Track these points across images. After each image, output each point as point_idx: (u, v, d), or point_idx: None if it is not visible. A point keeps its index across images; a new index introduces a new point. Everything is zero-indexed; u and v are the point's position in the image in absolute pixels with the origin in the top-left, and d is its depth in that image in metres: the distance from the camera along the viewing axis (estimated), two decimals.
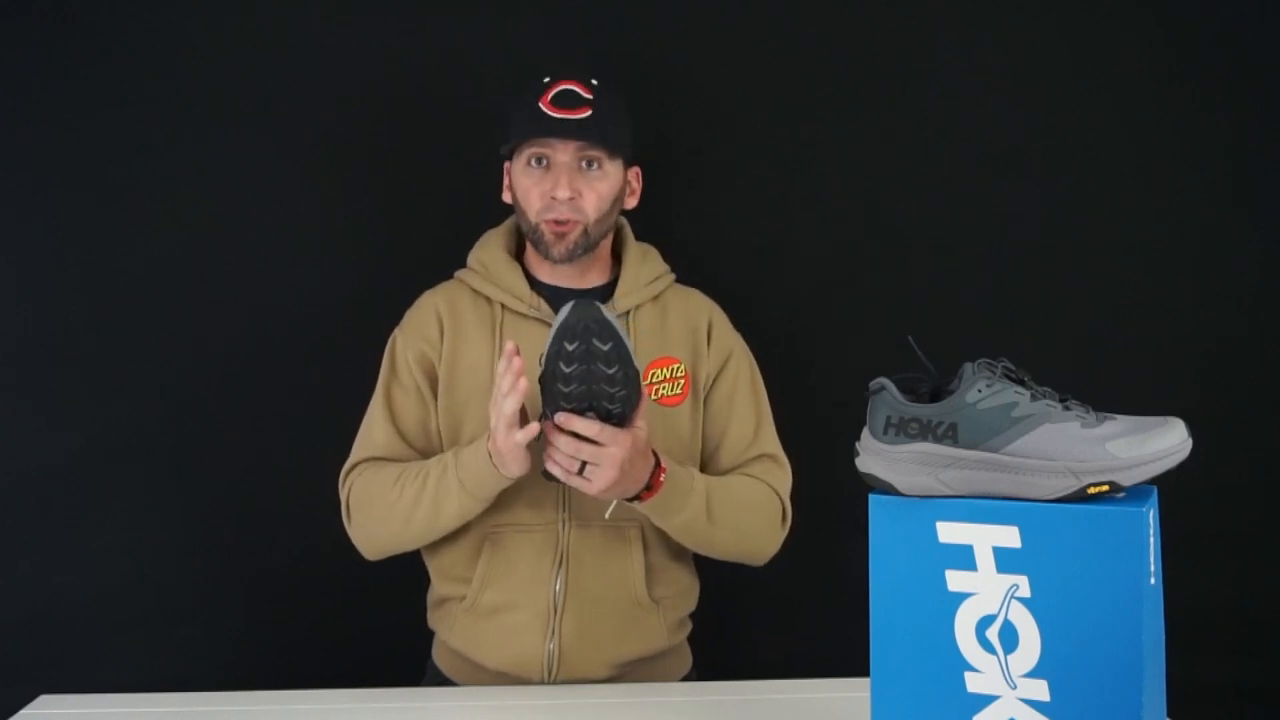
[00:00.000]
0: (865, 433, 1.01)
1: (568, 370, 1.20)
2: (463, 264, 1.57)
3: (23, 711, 1.32)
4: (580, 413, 1.25)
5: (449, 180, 1.81)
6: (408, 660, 1.62)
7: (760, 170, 1.86)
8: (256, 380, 1.82)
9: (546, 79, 1.47)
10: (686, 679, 1.58)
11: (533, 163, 1.47)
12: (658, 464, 1.36)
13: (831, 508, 1.51)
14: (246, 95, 1.80)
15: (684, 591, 1.56)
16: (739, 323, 1.62)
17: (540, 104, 1.44)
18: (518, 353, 1.27)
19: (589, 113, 1.44)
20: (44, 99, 1.77)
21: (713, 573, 1.59)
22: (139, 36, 1.78)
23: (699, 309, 1.57)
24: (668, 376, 1.50)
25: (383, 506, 1.44)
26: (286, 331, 1.82)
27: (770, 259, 1.86)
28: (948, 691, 0.99)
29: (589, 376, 1.21)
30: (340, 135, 1.82)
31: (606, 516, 1.43)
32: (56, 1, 1.77)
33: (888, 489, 1.00)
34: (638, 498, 1.36)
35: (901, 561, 0.99)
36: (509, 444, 1.30)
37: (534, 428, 1.29)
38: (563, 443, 1.27)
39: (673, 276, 1.59)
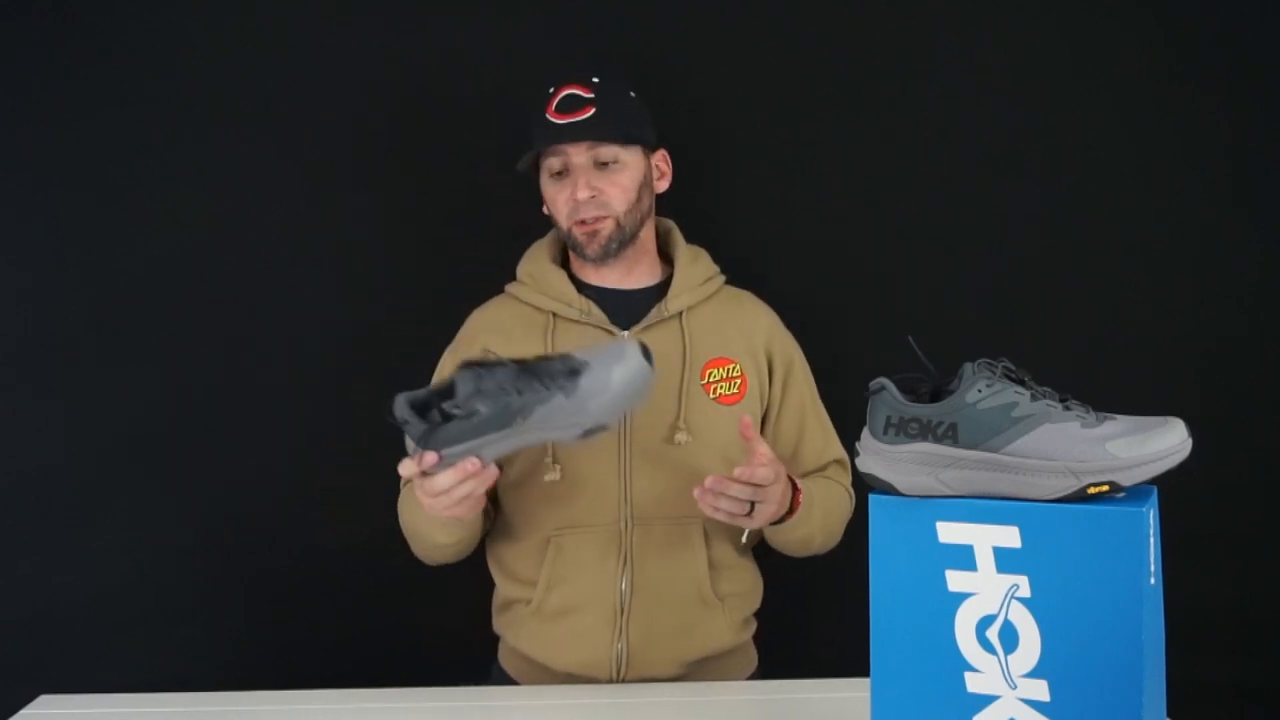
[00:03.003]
0: (865, 433, 1.01)
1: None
2: (467, 265, 1.58)
3: (23, 711, 1.32)
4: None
5: (450, 181, 1.81)
6: (409, 660, 1.61)
7: (760, 170, 1.86)
8: (256, 380, 1.82)
9: (550, 89, 1.48)
10: (752, 678, 1.58)
11: (553, 173, 1.49)
12: (793, 485, 1.39)
13: None
14: (246, 95, 1.80)
15: (749, 589, 1.57)
16: None
17: (546, 114, 1.46)
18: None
19: (592, 111, 1.45)
20: (44, 99, 1.77)
21: (776, 573, 1.60)
22: (139, 36, 1.78)
23: (756, 316, 1.58)
24: (724, 376, 1.50)
25: (406, 526, 1.48)
26: (286, 332, 1.82)
27: (770, 258, 1.85)
28: (948, 691, 0.99)
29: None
30: (341, 135, 1.82)
31: (744, 541, 1.46)
32: (56, 1, 1.77)
33: (888, 489, 1.00)
34: (779, 520, 1.39)
35: (901, 561, 1.00)
36: (449, 514, 1.28)
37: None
38: (735, 491, 1.29)
39: (724, 278, 1.60)
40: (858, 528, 1.53)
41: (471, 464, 1.21)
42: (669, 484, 1.44)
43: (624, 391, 1.19)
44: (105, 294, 1.80)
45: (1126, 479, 0.93)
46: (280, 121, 1.81)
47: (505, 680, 1.55)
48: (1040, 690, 0.96)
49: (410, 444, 1.20)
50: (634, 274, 1.55)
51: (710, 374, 1.49)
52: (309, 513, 1.78)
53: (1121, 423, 0.95)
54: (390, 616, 1.74)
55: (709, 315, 1.54)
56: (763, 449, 1.33)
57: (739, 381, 1.51)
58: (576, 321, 1.50)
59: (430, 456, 1.18)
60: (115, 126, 1.78)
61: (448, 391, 1.19)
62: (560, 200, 1.49)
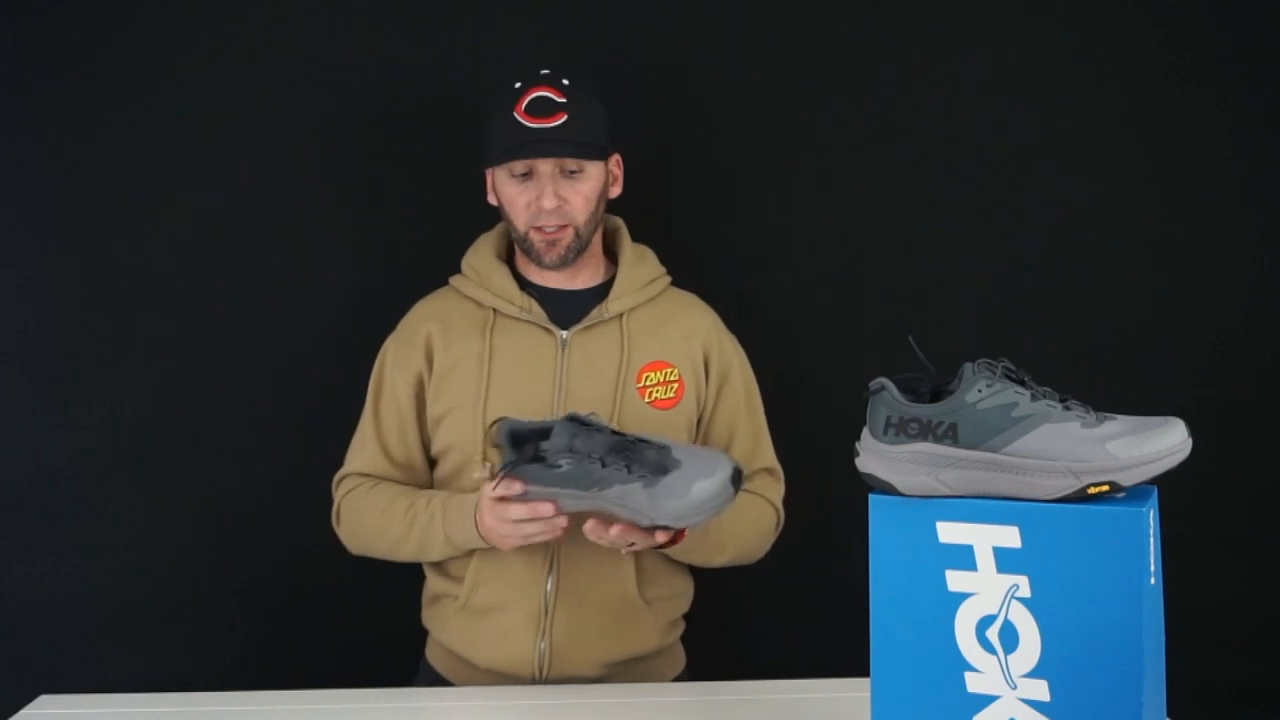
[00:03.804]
0: (865, 433, 1.01)
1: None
2: (459, 268, 1.58)
3: (23, 711, 1.32)
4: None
5: (450, 182, 1.80)
6: (407, 660, 1.62)
7: (760, 170, 1.85)
8: (256, 380, 1.82)
9: (518, 84, 1.47)
10: (679, 679, 1.58)
11: (516, 174, 1.48)
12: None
13: (831, 508, 1.51)
14: (247, 95, 1.79)
15: (677, 593, 1.56)
16: (737, 323, 1.62)
17: (515, 113, 1.45)
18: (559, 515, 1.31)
19: (565, 118, 1.45)
20: (44, 99, 1.77)
21: (710, 574, 1.59)
22: (139, 36, 1.78)
23: (698, 319, 1.57)
24: (661, 380, 1.50)
25: (371, 531, 1.50)
26: (287, 332, 1.82)
27: (769, 258, 1.86)
28: (948, 691, 0.99)
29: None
30: (342, 136, 1.82)
31: (623, 553, 1.44)
32: (56, 1, 1.77)
33: (888, 489, 1.00)
34: (659, 547, 1.38)
35: (901, 561, 1.00)
36: (508, 545, 1.37)
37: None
38: (614, 537, 1.30)
39: (669, 279, 1.60)
40: (800, 532, 1.56)
41: (546, 508, 1.29)
42: None
43: (700, 506, 1.22)
44: (105, 294, 1.79)
45: (1126, 479, 0.93)
46: (281, 122, 1.80)
47: (432, 675, 1.55)
48: (1040, 690, 0.96)
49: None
50: (580, 276, 1.55)
51: (647, 377, 1.49)
52: (309, 513, 1.77)
53: (1121, 423, 0.95)
54: (389, 616, 1.73)
55: (650, 317, 1.53)
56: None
57: (675, 385, 1.50)
58: (516, 319, 1.50)
59: (517, 485, 1.28)
60: (115, 126, 1.78)
61: (546, 433, 1.27)
62: (521, 203, 1.48)
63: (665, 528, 1.27)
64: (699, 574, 1.60)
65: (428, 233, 1.81)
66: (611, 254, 1.60)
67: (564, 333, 1.50)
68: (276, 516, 1.82)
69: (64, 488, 1.79)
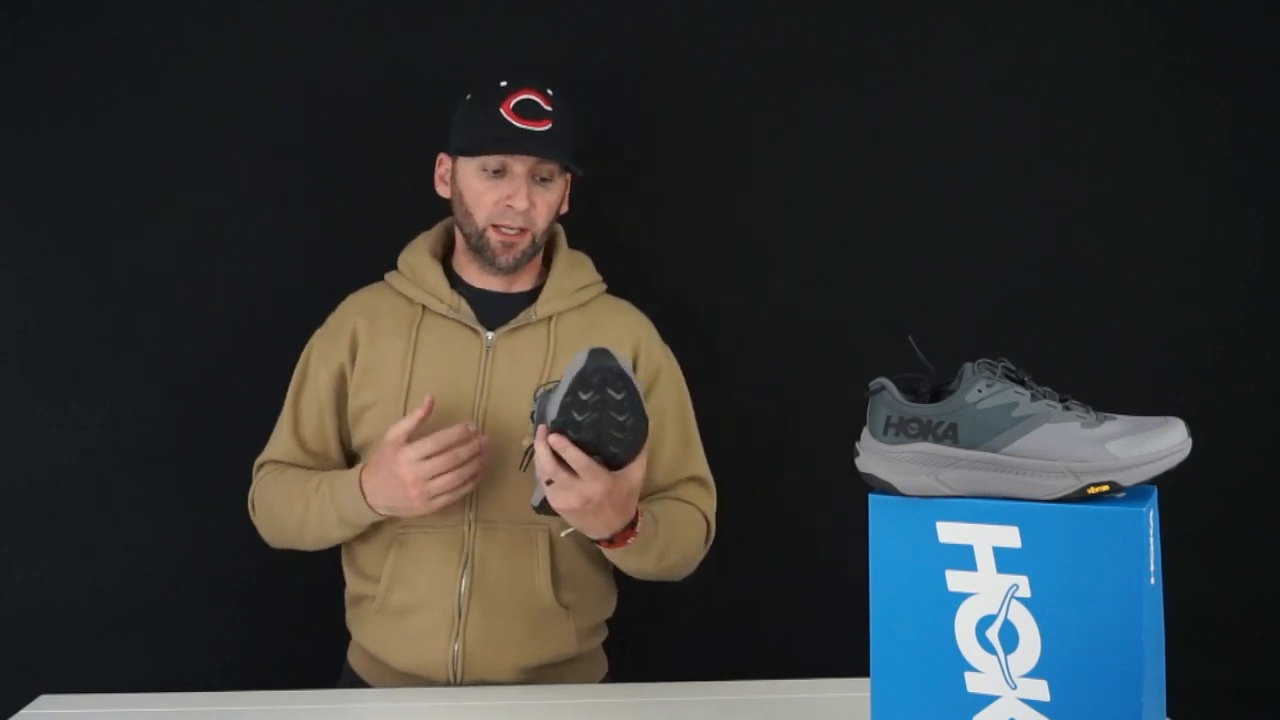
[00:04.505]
0: (865, 433, 1.01)
1: (580, 418, 1.22)
2: None
3: (23, 711, 1.32)
4: (583, 449, 1.25)
5: None
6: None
7: (759, 170, 1.85)
8: (256, 380, 1.81)
9: (504, 83, 1.47)
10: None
11: (488, 169, 1.47)
12: (633, 524, 1.34)
13: (831, 508, 1.51)
14: (247, 95, 1.79)
15: (598, 598, 1.54)
16: (737, 323, 1.62)
17: (502, 110, 1.45)
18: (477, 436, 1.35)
19: (549, 125, 1.45)
20: (44, 99, 1.77)
21: (696, 578, 1.56)
22: (139, 36, 1.78)
23: (628, 325, 1.56)
24: None
25: (276, 517, 1.51)
26: (287, 332, 1.81)
27: (769, 258, 1.86)
28: (948, 691, 0.99)
29: (600, 423, 1.23)
30: (341, 136, 1.82)
31: (562, 535, 1.41)
32: (56, 1, 1.77)
33: (888, 489, 1.00)
34: (598, 541, 1.35)
35: (901, 561, 0.99)
36: (431, 505, 1.35)
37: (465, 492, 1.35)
38: (542, 457, 1.25)
39: (603, 286, 1.59)
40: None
41: (466, 428, 1.34)
42: (516, 488, 1.42)
43: (565, 383, 1.22)
44: (105, 294, 1.79)
45: (1126, 479, 0.93)
46: (281, 122, 1.81)
47: (353, 677, 1.55)
48: (1040, 690, 0.96)
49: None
50: (518, 280, 1.55)
51: None
52: None
53: (1121, 423, 0.95)
54: None
55: (579, 322, 1.53)
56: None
57: None
58: (444, 316, 1.51)
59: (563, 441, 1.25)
60: (115, 126, 1.78)
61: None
62: (489, 199, 1.47)
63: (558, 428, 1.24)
64: (643, 585, 1.55)
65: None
66: (549, 261, 1.59)
67: (490, 334, 1.49)
68: None
69: (64, 488, 1.79)
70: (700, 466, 1.55)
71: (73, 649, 1.81)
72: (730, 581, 1.59)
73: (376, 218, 1.83)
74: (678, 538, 1.45)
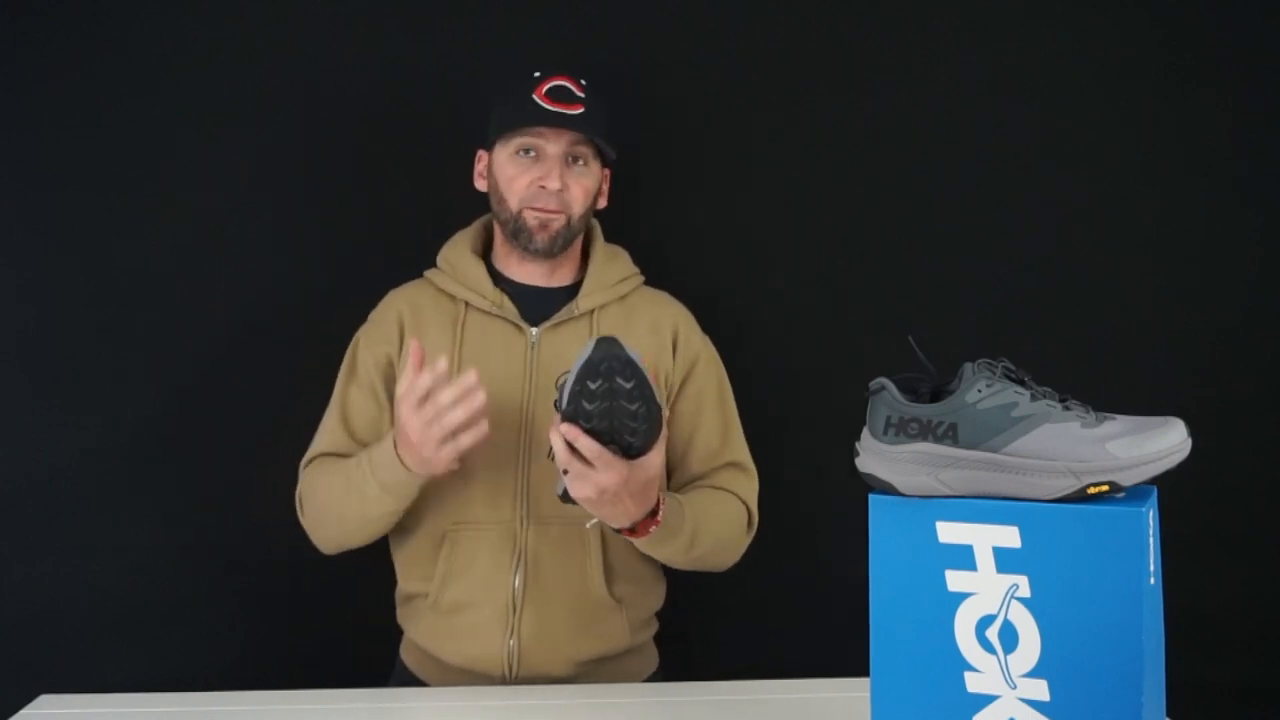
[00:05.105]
0: (865, 433, 1.01)
1: (590, 407, 1.22)
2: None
3: (23, 711, 1.32)
4: (598, 438, 1.24)
5: (453, 181, 1.80)
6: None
7: (759, 170, 1.86)
8: (257, 380, 1.81)
9: (537, 74, 1.48)
10: (652, 679, 1.57)
11: (521, 153, 1.48)
12: (655, 511, 1.33)
13: (831, 508, 1.51)
14: (247, 95, 1.79)
15: (648, 590, 1.55)
16: (736, 323, 1.62)
17: (535, 96, 1.46)
18: (474, 379, 1.29)
19: (582, 109, 1.47)
20: (44, 99, 1.77)
21: (705, 576, 1.57)
22: (139, 36, 1.78)
23: (666, 313, 1.57)
24: None
25: (320, 506, 1.48)
26: (287, 332, 1.82)
27: (769, 258, 1.86)
28: (948, 691, 0.99)
29: (611, 413, 1.22)
30: (343, 135, 1.82)
31: (587, 526, 1.42)
32: (56, 1, 1.77)
33: (888, 489, 1.00)
34: (620, 530, 1.34)
35: (901, 561, 0.99)
36: (439, 457, 1.31)
37: (469, 441, 1.31)
38: (557, 447, 1.25)
39: (641, 279, 1.60)
40: (816, 530, 1.55)
41: (469, 379, 1.29)
42: None
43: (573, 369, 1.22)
44: (105, 294, 1.79)
45: (1126, 479, 0.93)
46: (282, 122, 1.81)
47: (405, 674, 1.55)
48: (1040, 690, 0.96)
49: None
50: (557, 274, 1.55)
51: None
52: None
53: (1121, 423, 0.95)
54: (389, 616, 1.73)
55: (620, 315, 1.53)
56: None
57: None
58: (487, 313, 1.50)
59: (575, 431, 1.24)
60: (115, 126, 1.78)
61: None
62: (522, 181, 1.48)
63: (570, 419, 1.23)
64: (690, 579, 1.57)
65: (427, 232, 1.81)
66: (587, 255, 1.60)
67: (534, 330, 1.50)
68: (276, 516, 1.82)
69: (64, 488, 1.79)
70: (740, 452, 1.55)
71: (73, 649, 1.81)
72: (730, 581, 1.58)
73: (376, 218, 1.83)
74: (708, 525, 1.43)
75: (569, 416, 1.23)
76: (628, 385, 1.21)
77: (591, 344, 1.21)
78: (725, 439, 1.55)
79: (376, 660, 1.62)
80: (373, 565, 1.56)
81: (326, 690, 1.38)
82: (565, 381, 1.25)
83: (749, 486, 1.54)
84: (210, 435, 1.81)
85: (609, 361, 1.20)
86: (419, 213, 1.82)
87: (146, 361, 1.80)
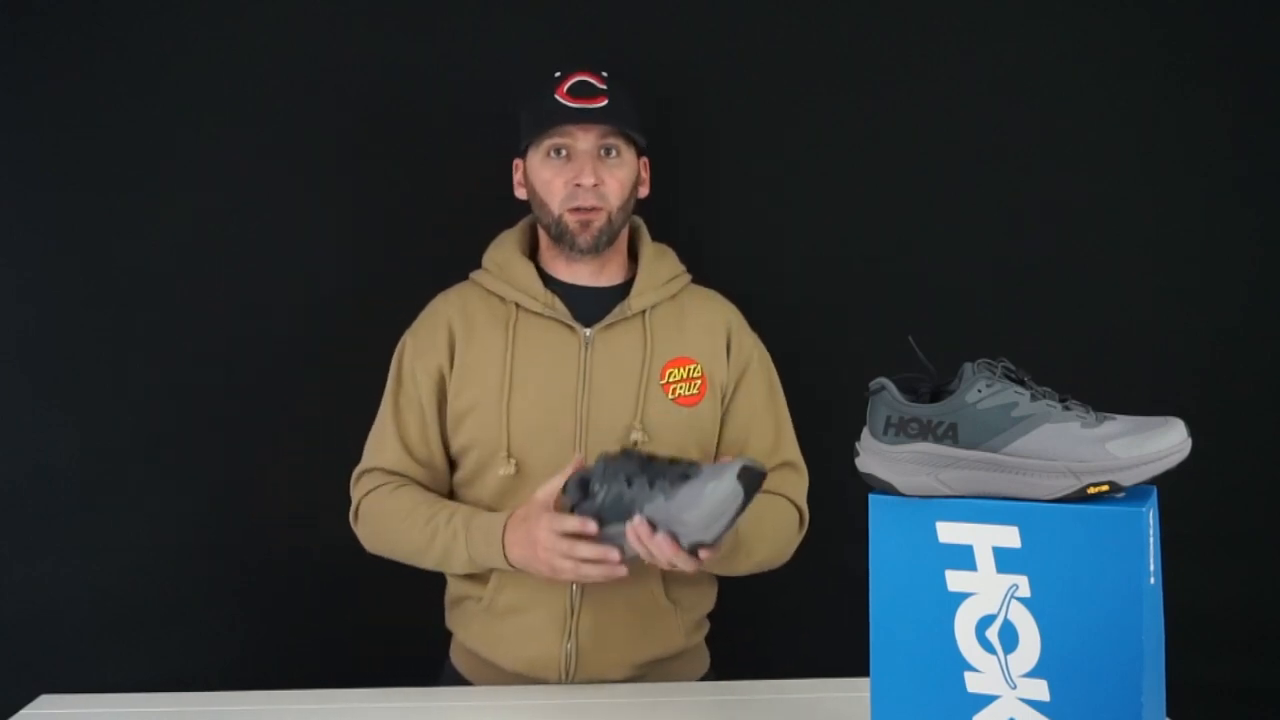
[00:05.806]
0: (865, 433, 1.01)
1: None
2: (469, 265, 1.57)
3: (23, 711, 1.32)
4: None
5: (453, 181, 1.81)
6: (411, 660, 1.61)
7: (759, 170, 1.86)
8: (257, 380, 1.82)
9: (557, 74, 1.48)
10: (705, 679, 1.57)
11: (552, 154, 1.48)
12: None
13: (831, 508, 1.51)
14: (247, 95, 1.80)
15: (702, 592, 1.55)
16: None
17: (557, 95, 1.45)
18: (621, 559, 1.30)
19: (606, 101, 1.46)
20: (44, 99, 1.77)
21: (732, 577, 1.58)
22: (139, 36, 1.78)
23: (718, 313, 1.56)
24: (684, 376, 1.49)
25: (392, 536, 1.47)
26: (288, 332, 1.82)
27: (769, 258, 1.86)
28: (948, 691, 0.99)
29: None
30: (343, 135, 1.82)
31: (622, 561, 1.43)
32: (56, 1, 1.77)
33: (888, 489, 1.00)
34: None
35: (901, 561, 1.00)
36: (552, 568, 1.32)
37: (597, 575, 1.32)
38: (659, 540, 1.25)
39: (689, 277, 1.59)
40: (820, 534, 1.55)
41: (613, 554, 1.29)
42: None
43: (714, 509, 1.21)
44: (105, 294, 1.79)
45: (1126, 479, 0.93)
46: (283, 121, 1.81)
47: (456, 677, 1.54)
48: (1040, 690, 0.96)
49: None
50: (605, 272, 1.54)
51: (670, 374, 1.48)
52: (310, 513, 1.78)
53: (1121, 423, 0.95)
54: (390, 616, 1.74)
55: (672, 314, 1.53)
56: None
57: (699, 382, 1.49)
58: (539, 315, 1.49)
59: (592, 525, 1.28)
60: (115, 126, 1.78)
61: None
62: (558, 183, 1.47)
63: (702, 544, 1.24)
64: (735, 580, 1.56)
65: (428, 233, 1.81)
66: (634, 254, 1.59)
67: (587, 330, 1.48)
68: (277, 516, 1.82)
69: (64, 488, 1.79)
70: (792, 451, 1.55)
71: (73, 649, 1.81)
72: (730, 581, 1.59)
73: (376, 218, 1.83)
74: (763, 535, 1.44)
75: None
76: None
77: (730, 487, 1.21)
78: (778, 439, 1.55)
79: (377, 660, 1.62)
80: (373, 566, 1.56)
81: (371, 690, 1.38)
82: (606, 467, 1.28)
83: (799, 485, 1.54)
84: (210, 435, 1.81)
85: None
86: (419, 213, 1.83)
87: (146, 361, 1.80)
